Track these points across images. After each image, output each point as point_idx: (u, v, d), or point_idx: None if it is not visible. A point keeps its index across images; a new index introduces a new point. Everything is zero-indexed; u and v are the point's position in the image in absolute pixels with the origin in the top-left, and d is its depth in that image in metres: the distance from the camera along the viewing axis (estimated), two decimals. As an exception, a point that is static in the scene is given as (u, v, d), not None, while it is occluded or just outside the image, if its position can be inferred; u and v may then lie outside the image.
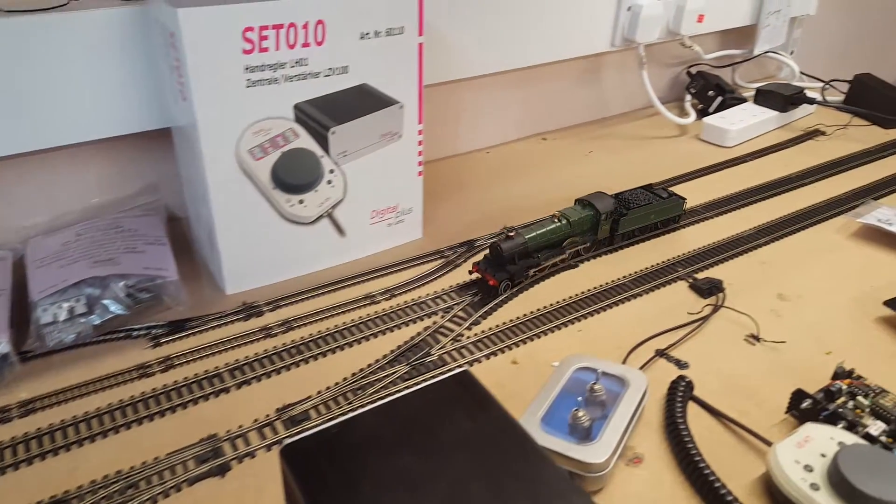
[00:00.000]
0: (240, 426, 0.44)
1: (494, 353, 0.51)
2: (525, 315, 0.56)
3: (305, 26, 0.50)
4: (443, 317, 0.55)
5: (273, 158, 0.53)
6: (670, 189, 0.71)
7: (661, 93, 1.04)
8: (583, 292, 0.59)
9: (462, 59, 0.78)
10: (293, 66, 0.51)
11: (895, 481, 0.37)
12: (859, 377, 0.49)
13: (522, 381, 0.49)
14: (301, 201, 0.56)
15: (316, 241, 0.59)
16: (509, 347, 0.52)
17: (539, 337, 0.54)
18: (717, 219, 0.72)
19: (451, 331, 0.53)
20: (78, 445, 0.43)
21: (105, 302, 0.49)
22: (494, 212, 0.72)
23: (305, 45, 0.50)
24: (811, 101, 0.97)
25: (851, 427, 0.44)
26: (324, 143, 0.55)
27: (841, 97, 1.03)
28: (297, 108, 0.52)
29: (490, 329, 0.54)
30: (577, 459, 0.40)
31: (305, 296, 0.57)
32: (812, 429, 0.42)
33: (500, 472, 0.34)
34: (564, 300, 0.58)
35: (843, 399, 0.47)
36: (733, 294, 0.60)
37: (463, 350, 0.52)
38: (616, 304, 0.58)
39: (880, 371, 0.50)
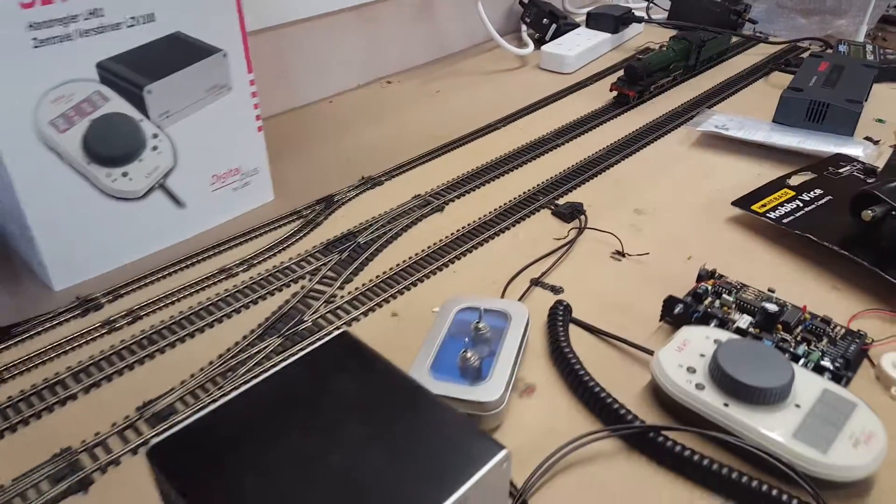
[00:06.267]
0: (96, 433, 0.39)
1: (372, 309, 0.49)
2: (398, 265, 0.53)
3: (96, -31, 0.43)
4: (311, 280, 0.51)
5: (82, 128, 0.46)
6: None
7: (498, 25, 1.02)
8: (450, 235, 0.57)
9: (283, 1, 0.72)
10: (87, 18, 0.43)
11: (771, 368, 0.38)
12: (721, 276, 0.51)
13: (406, 333, 0.47)
14: (125, 174, 0.49)
15: (152, 217, 0.52)
16: (387, 301, 0.49)
17: (415, 285, 0.51)
18: (569, 144, 0.73)
19: (323, 293, 0.50)
20: None
21: None
22: (349, 162, 0.69)
23: (99, -9, 0.43)
24: (640, 20, 1.00)
25: (723, 324, 0.45)
26: (140, 104, 0.48)
27: (664, 14, 1.07)
28: (100, 66, 0.45)
29: (364, 285, 0.51)
30: (472, 401, 0.39)
31: (150, 279, 0.51)
32: (688, 332, 0.43)
33: (395, 430, 0.32)
34: (432, 245, 0.56)
35: (709, 299, 0.48)
36: (594, 215, 0.60)
37: (339, 311, 0.48)
38: (485, 241, 0.57)
39: (738, 267, 0.52)
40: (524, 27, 1.00)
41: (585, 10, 1.02)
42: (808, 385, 0.39)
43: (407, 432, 0.32)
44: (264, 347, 0.45)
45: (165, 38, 0.48)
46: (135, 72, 0.47)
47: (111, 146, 0.47)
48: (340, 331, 0.37)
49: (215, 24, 0.50)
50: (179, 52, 0.49)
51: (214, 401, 0.40)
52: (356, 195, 0.63)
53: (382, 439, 0.31)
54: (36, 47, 0.42)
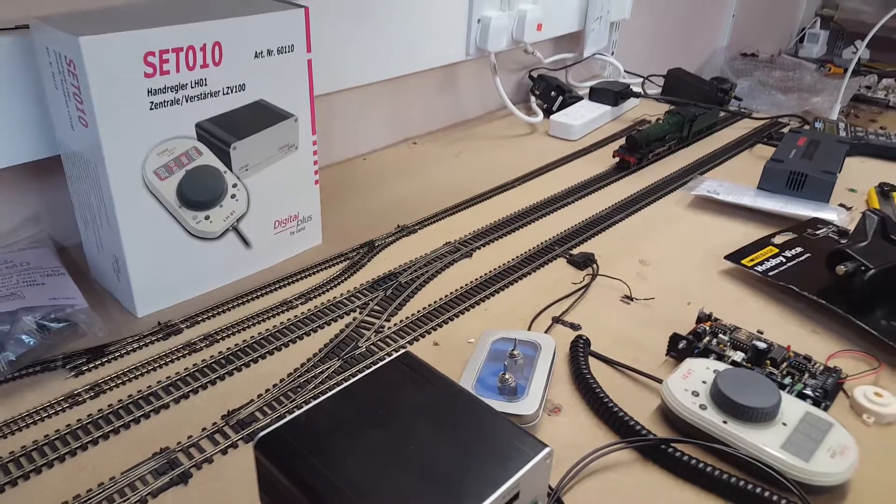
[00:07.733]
0: (189, 436, 0.45)
1: (416, 339, 0.56)
2: (435, 301, 0.61)
3: (203, 48, 0.51)
4: (361, 312, 0.58)
5: (178, 177, 0.53)
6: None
7: (509, 96, 1.13)
8: (479, 277, 0.65)
9: (331, 73, 0.82)
10: (193, 87, 0.52)
11: (762, 392, 0.46)
12: (717, 319, 0.59)
13: (447, 358, 0.54)
14: (207, 217, 0.57)
15: (223, 255, 0.60)
16: (428, 332, 0.57)
17: (452, 319, 0.59)
18: (578, 202, 0.82)
19: (372, 324, 0.57)
20: (24, 479, 0.42)
21: (21, 336, 0.47)
22: (385, 213, 0.77)
23: (204, 66, 0.52)
24: (637, 95, 1.11)
25: (720, 358, 0.53)
26: (226, 158, 0.56)
27: (658, 90, 1.18)
28: (198, 126, 0.53)
29: (407, 318, 0.58)
30: (512, 414, 0.46)
31: (221, 309, 0.58)
32: (692, 363, 0.51)
33: (458, 430, 0.39)
34: (465, 286, 0.63)
35: (708, 338, 0.56)
36: (604, 264, 0.68)
37: (388, 339, 0.55)
38: (510, 283, 0.64)
39: (731, 313, 0.60)
40: (533, 98, 1.11)
41: (588, 85, 1.13)
42: (792, 408, 0.47)
43: (467, 431, 0.39)
44: (326, 368, 0.52)
45: (251, 105, 0.56)
46: (225, 131, 0.55)
47: (200, 192, 0.55)
48: (404, 351, 0.44)
49: (291, 93, 0.59)
50: (261, 116, 0.57)
51: (290, 412, 0.47)
52: (394, 241, 0.71)
53: (447, 436, 0.38)
54: (151, 109, 0.50)
